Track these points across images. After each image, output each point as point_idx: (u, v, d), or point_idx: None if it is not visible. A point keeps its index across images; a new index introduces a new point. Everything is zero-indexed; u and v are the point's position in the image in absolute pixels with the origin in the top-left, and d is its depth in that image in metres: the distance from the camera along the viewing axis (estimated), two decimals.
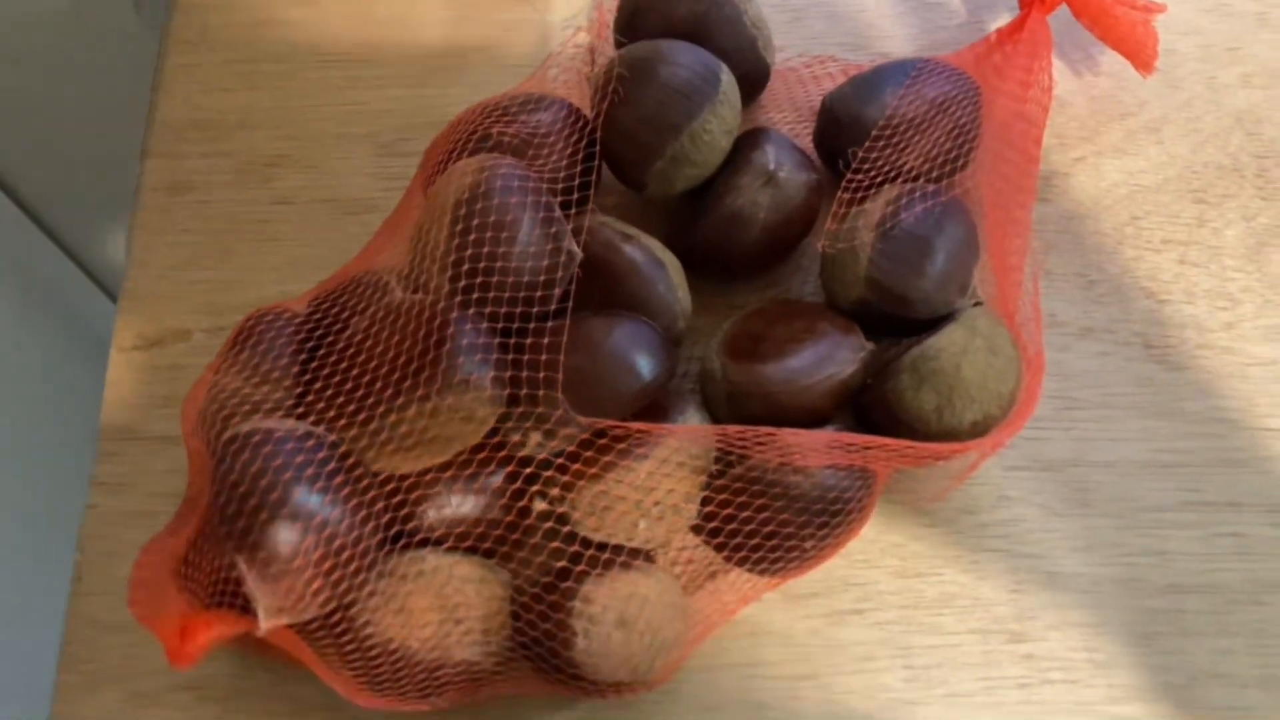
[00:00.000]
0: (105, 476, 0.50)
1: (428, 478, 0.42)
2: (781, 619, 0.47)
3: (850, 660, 0.46)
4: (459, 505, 0.43)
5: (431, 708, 0.42)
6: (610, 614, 0.41)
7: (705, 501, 0.43)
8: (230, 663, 0.47)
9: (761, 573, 0.45)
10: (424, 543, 0.42)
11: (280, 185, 0.55)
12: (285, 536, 0.37)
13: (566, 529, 0.42)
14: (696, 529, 0.44)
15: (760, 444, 0.43)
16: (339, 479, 0.39)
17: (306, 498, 0.38)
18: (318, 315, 0.45)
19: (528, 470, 0.42)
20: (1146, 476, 0.49)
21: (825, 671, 0.46)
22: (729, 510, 0.43)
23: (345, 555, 0.38)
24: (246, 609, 0.38)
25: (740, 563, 0.44)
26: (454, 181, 0.45)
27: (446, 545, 0.43)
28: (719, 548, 0.44)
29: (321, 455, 0.39)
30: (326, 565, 0.38)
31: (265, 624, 0.38)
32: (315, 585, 0.38)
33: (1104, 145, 0.56)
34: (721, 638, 0.46)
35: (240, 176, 0.55)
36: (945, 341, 0.44)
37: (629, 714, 0.45)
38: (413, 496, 0.42)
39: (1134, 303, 0.53)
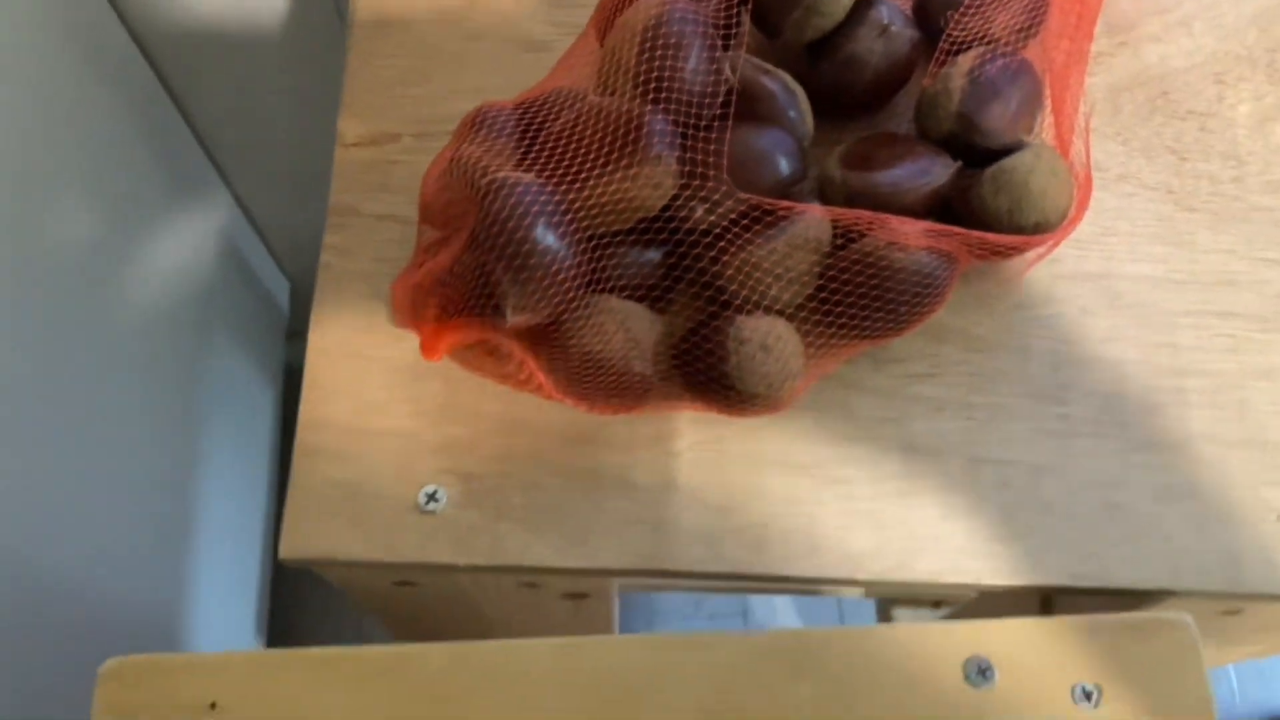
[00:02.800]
0: (334, 244, 0.62)
1: (618, 239, 0.55)
2: (871, 378, 0.60)
3: (924, 410, 0.59)
4: (639, 259, 0.55)
5: (612, 412, 0.55)
6: (756, 340, 0.54)
7: (825, 273, 0.56)
8: (441, 385, 0.59)
9: (860, 336, 0.58)
10: (610, 291, 0.55)
11: (471, 25, 0.67)
12: (533, 252, 0.50)
13: (719, 284, 0.55)
14: (815, 297, 0.57)
15: (871, 226, 0.55)
16: (565, 223, 0.52)
17: (547, 230, 0.50)
18: (527, 114, 0.58)
19: (691, 239, 0.55)
20: (1162, 289, 0.62)
21: (904, 417, 0.59)
22: (843, 281, 0.56)
23: (566, 277, 0.51)
24: (493, 316, 0.51)
25: (844, 326, 0.57)
26: (641, 12, 0.57)
27: (625, 295, 0.56)
28: (831, 314, 0.57)
29: (553, 205, 0.52)
30: (556, 278, 0.50)
31: (511, 318, 0.50)
32: (549, 290, 0.50)
33: (1144, 34, 0.69)
34: (823, 389, 0.59)
35: (439, 15, 0.67)
36: (1017, 161, 0.57)
37: (753, 435, 0.58)
38: (606, 252, 0.54)
39: (1160, 158, 0.65)
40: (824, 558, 0.56)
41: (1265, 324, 0.61)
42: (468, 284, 0.51)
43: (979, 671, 0.52)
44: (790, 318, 0.57)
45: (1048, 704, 0.51)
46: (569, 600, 0.66)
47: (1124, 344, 0.61)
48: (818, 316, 0.57)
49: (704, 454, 0.58)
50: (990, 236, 0.56)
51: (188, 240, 0.95)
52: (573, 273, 0.52)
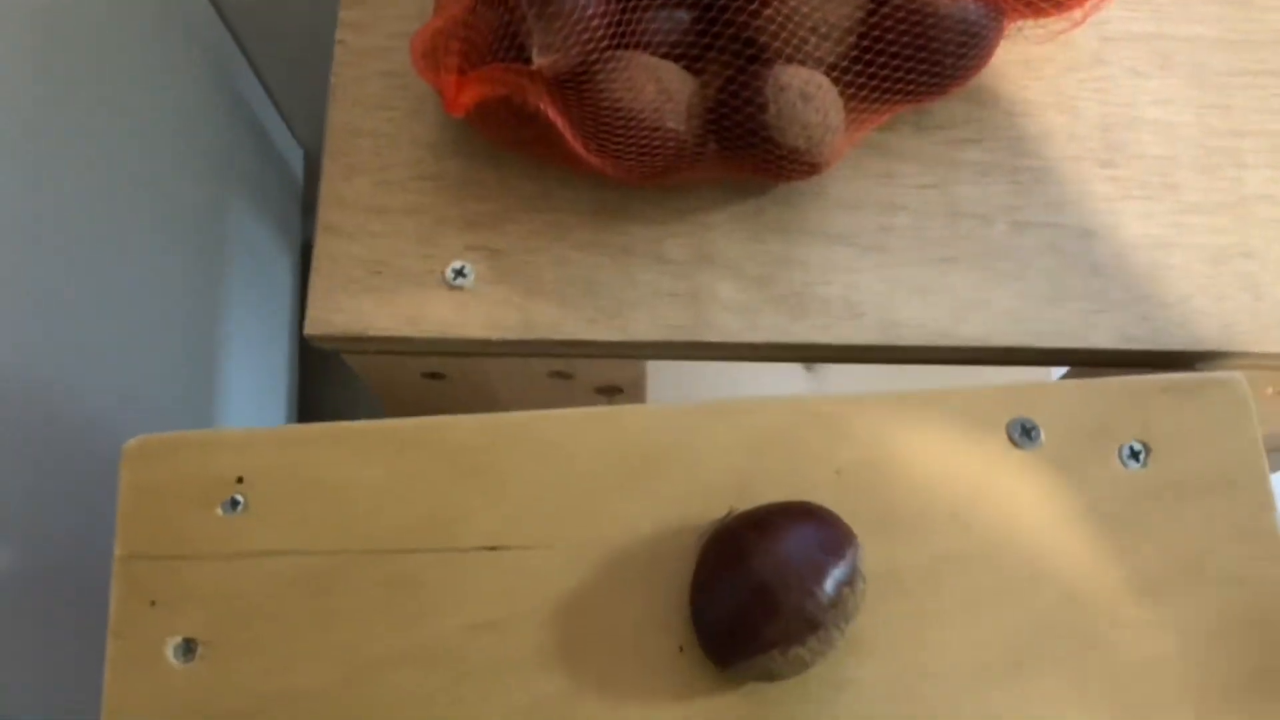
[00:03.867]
0: (349, 20, 0.60)
1: None
2: (912, 144, 0.57)
3: (968, 174, 0.57)
4: (670, 17, 0.53)
5: (643, 179, 0.53)
6: (795, 88, 0.51)
7: (865, 26, 0.53)
8: (463, 161, 0.57)
9: (902, 94, 0.55)
10: (641, 49, 0.52)
11: None
12: None
13: (756, 38, 0.52)
14: (854, 52, 0.54)
15: None
16: None
17: None
18: None
19: None
20: (1217, 50, 0.59)
21: (947, 182, 0.57)
22: (884, 31, 0.53)
23: (595, 13, 0.48)
24: (518, 59, 0.49)
25: (885, 83, 0.54)
26: None
27: (658, 55, 0.53)
28: (871, 69, 0.54)
29: None
30: (585, 13, 0.48)
31: (537, 59, 0.48)
32: (577, 27, 0.48)
33: None
34: (863, 156, 0.57)
35: None
36: None
37: (792, 204, 0.56)
38: (636, 4, 0.51)
39: None
40: (865, 324, 0.54)
41: None
42: (491, 26, 0.49)
43: (1023, 432, 0.50)
44: (829, 75, 0.54)
45: (1094, 463, 0.50)
46: (602, 396, 0.65)
47: (1176, 105, 0.58)
48: (858, 69, 0.54)
49: (740, 225, 0.56)
50: None
51: (203, 103, 0.92)
52: (601, 9, 0.49)
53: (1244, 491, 0.49)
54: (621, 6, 0.51)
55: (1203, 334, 0.54)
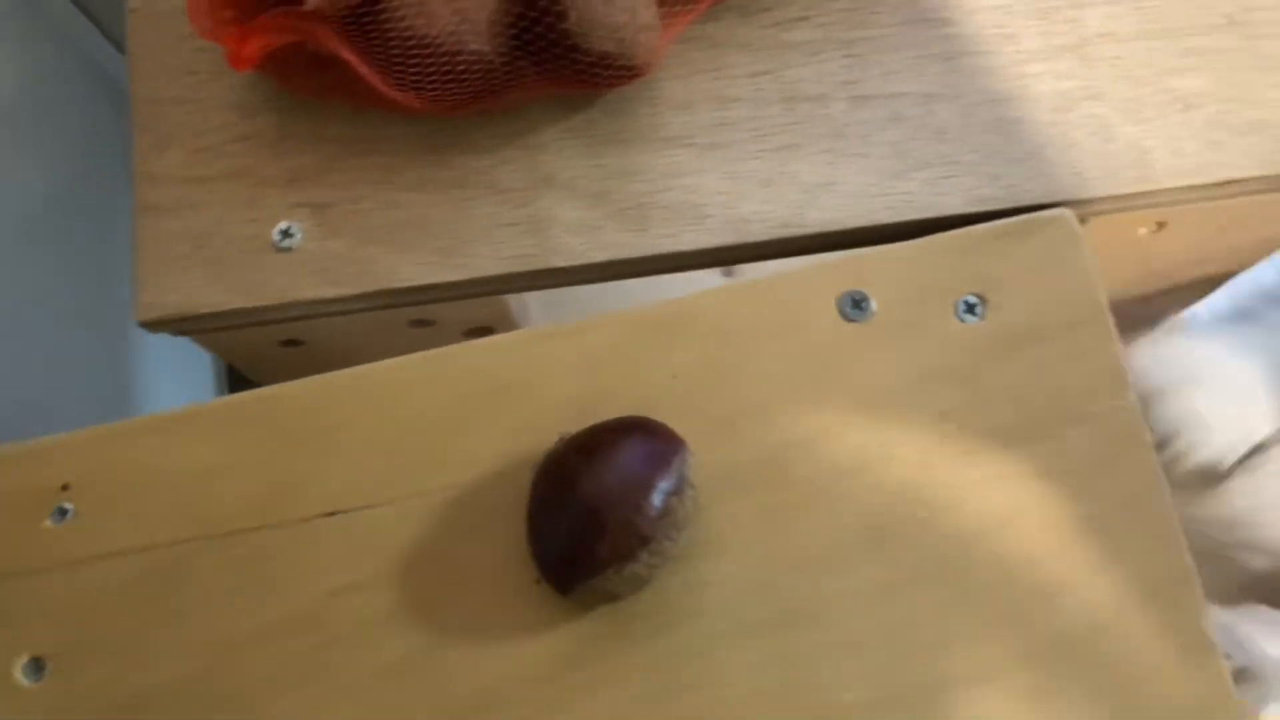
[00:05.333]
0: None
1: None
2: (740, 32, 0.55)
3: (800, 56, 0.55)
4: None
5: (456, 108, 0.51)
6: None
7: None
8: (276, 118, 0.54)
9: None
10: None
11: None
12: None
13: None
14: None
15: None
16: None
17: None
18: None
19: None
20: None
21: (779, 68, 0.54)
22: None
23: None
24: (297, 6, 0.46)
25: None
26: None
27: None
28: None
29: None
30: None
31: (311, 1, 0.45)
32: None
33: None
34: (688, 52, 0.54)
35: None
36: None
37: (622, 112, 0.54)
38: None
39: None
40: (712, 226, 0.53)
41: None
42: None
43: (854, 304, 0.49)
44: None
45: (930, 323, 0.49)
46: (474, 339, 0.63)
47: None
48: None
49: (572, 141, 0.54)
50: None
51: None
52: None
53: (1085, 328, 0.48)
54: None
55: (1056, 185, 0.53)
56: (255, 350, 0.59)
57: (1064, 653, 0.43)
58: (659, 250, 0.52)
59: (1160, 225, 0.58)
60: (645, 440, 0.39)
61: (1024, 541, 0.45)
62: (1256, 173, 0.53)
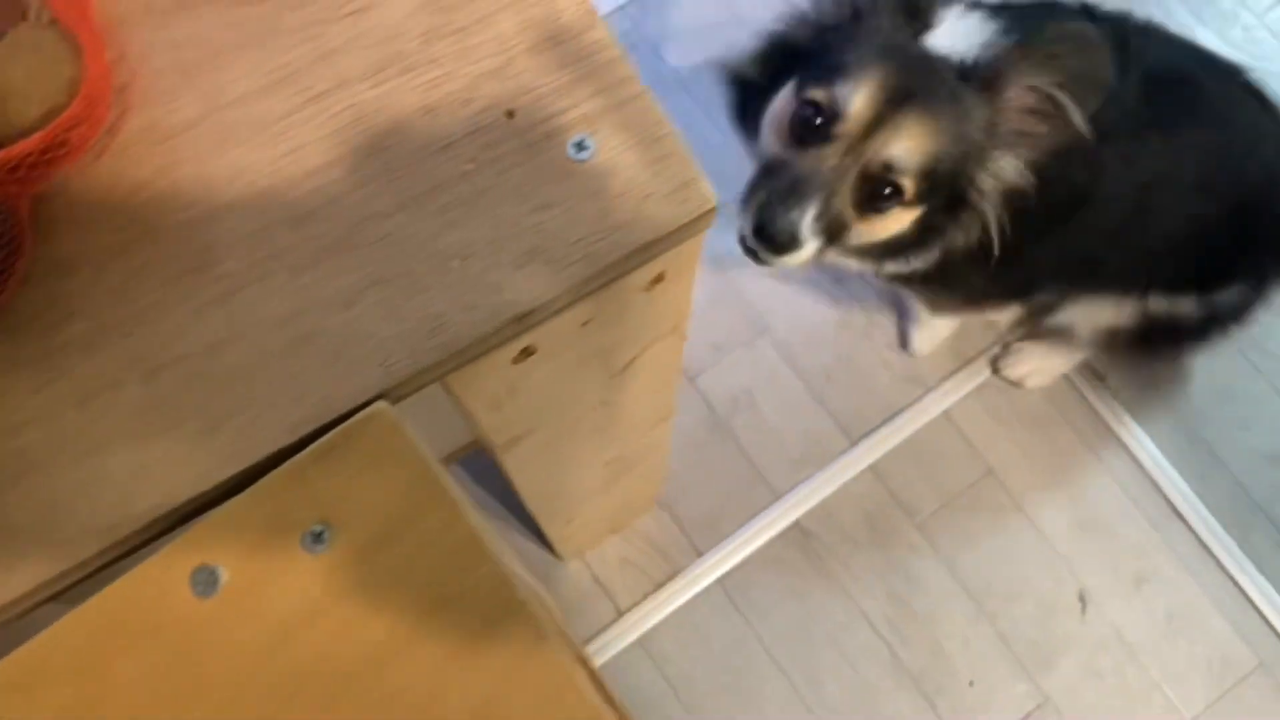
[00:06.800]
0: None
1: None
2: (13, 349, 0.53)
3: (79, 351, 0.53)
4: None
5: None
6: None
7: None
8: None
9: None
10: None
11: None
12: None
13: None
14: None
15: None
16: None
17: None
18: None
19: None
20: (265, 98, 0.57)
21: (62, 371, 0.53)
22: None
23: None
24: None
25: None
26: None
27: None
28: None
29: None
30: None
31: None
32: None
33: None
34: None
35: None
36: None
37: None
38: None
39: None
40: (33, 556, 0.51)
41: (378, 74, 0.58)
42: None
43: (205, 581, 0.48)
44: None
45: (283, 575, 0.49)
46: None
47: (252, 173, 0.56)
48: None
49: None
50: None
51: None
52: None
53: (431, 513, 0.50)
54: None
55: (365, 381, 0.53)
56: None
57: None
58: None
59: (525, 352, 0.60)
60: None
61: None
62: (547, 297, 0.55)
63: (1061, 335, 1.34)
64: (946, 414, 1.49)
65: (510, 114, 0.57)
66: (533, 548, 1.42)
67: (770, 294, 1.53)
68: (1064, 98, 0.84)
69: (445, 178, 0.56)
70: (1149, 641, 1.41)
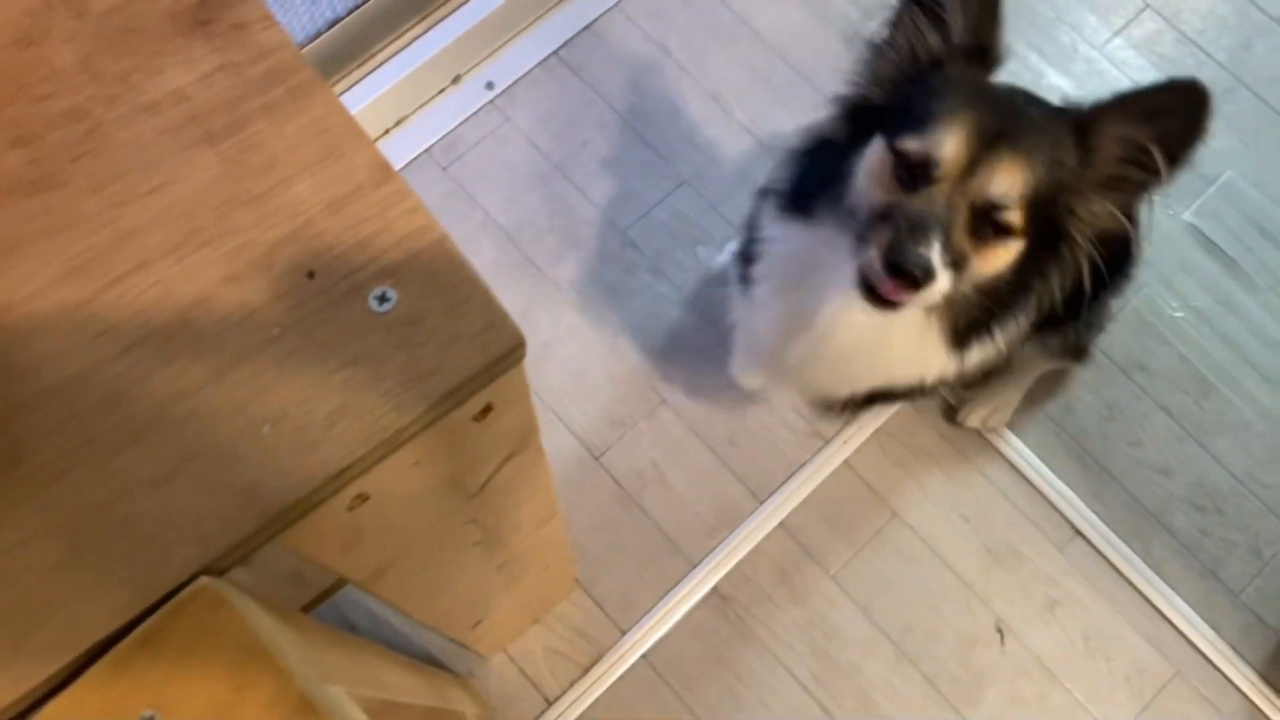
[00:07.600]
0: None
1: None
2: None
3: None
4: None
5: None
6: None
7: None
8: None
9: None
10: None
11: None
12: None
13: None
14: None
15: None
16: None
17: None
18: None
19: None
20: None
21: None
22: None
23: None
24: None
25: None
26: None
27: None
28: None
29: None
30: None
31: None
32: None
33: None
34: None
35: None
36: None
37: None
38: None
39: None
40: None
41: (178, 249, 0.59)
42: None
43: None
44: None
45: None
46: None
47: (60, 361, 0.57)
48: None
49: None
50: None
51: None
52: None
53: (253, 687, 0.49)
54: None
55: (190, 553, 0.54)
56: None
57: None
58: None
59: (360, 498, 0.61)
60: None
61: None
62: (361, 452, 0.56)
63: (1002, 374, 1.38)
64: (847, 463, 1.51)
65: (310, 274, 0.58)
66: (454, 647, 1.41)
67: (667, 361, 1.55)
68: (1158, 151, 0.88)
69: (252, 345, 0.57)
70: (1069, 664, 1.43)
